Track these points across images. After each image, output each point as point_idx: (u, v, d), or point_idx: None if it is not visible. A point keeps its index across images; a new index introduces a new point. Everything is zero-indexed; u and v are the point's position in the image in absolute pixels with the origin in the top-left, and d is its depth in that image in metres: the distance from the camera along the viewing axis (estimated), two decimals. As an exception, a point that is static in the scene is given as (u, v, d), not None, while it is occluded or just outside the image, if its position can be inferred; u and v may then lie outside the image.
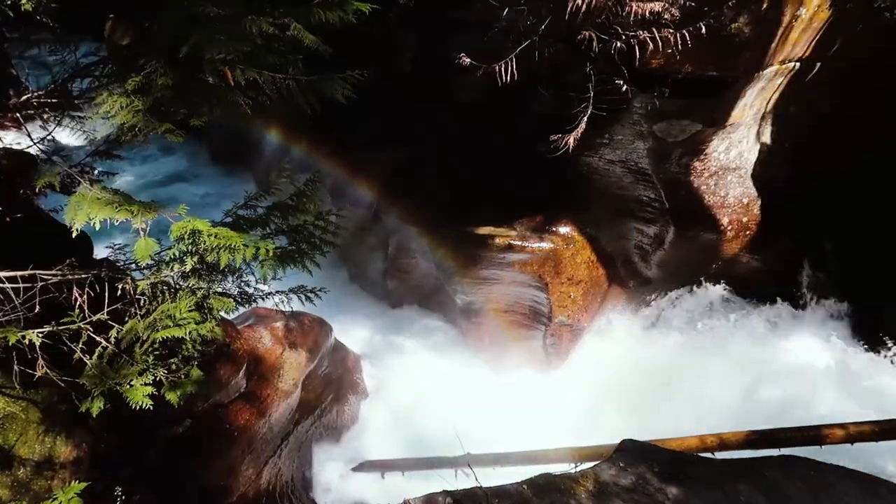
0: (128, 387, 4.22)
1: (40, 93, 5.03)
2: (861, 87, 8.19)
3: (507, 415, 9.26)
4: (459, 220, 9.89)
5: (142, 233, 3.80)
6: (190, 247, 3.81)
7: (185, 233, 3.69)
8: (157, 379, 4.32)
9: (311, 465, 8.73)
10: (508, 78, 7.39)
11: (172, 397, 4.31)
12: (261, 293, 5.43)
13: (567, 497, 4.58)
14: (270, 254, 3.84)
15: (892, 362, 8.64)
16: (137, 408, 4.25)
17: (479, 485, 4.56)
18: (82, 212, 3.72)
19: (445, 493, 4.56)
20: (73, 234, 3.87)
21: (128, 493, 5.62)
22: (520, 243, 9.57)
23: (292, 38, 4.25)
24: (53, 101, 5.21)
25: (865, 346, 8.95)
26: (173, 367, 4.42)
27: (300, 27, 4.19)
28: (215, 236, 3.67)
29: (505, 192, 9.80)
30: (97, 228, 3.83)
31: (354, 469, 8.85)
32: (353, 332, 10.98)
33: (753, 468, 5.26)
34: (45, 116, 5.47)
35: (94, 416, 4.29)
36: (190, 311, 4.17)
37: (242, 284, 5.41)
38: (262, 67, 4.31)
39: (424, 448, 8.50)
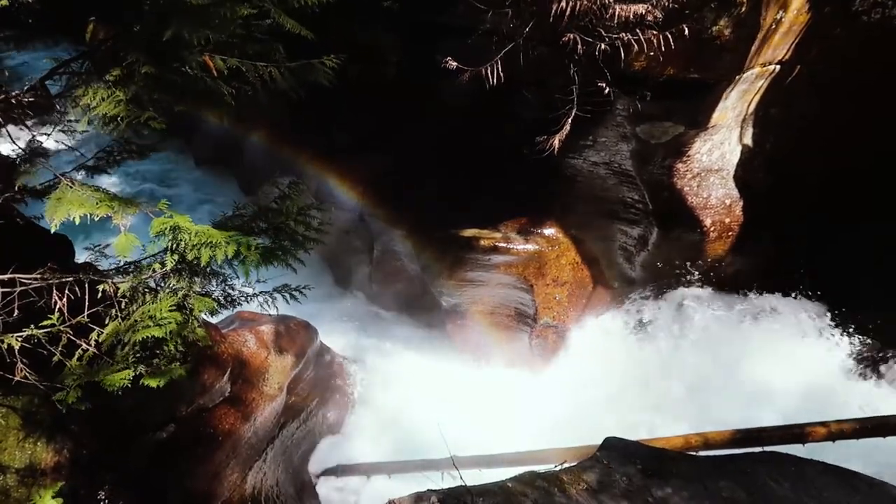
0: (106, 376, 4.15)
1: (18, 92, 4.96)
2: (842, 89, 8.31)
3: (493, 416, 9.27)
4: (445, 222, 9.92)
5: (122, 229, 3.75)
6: (171, 243, 3.78)
7: (166, 229, 3.66)
8: (139, 373, 4.27)
9: (297, 468, 8.68)
10: (494, 80, 7.45)
11: (152, 382, 4.24)
12: (245, 295, 5.40)
13: (552, 493, 4.59)
14: (252, 250, 3.82)
15: (865, 363, 8.77)
16: (115, 391, 4.15)
17: (464, 483, 4.56)
18: (62, 208, 3.68)
19: (431, 492, 4.56)
20: (52, 231, 3.82)
21: (111, 498, 5.55)
22: (505, 245, 9.61)
23: (273, 23, 4.26)
24: (32, 100, 5.15)
25: (844, 347, 9.05)
26: (154, 366, 4.36)
27: (280, 11, 4.20)
28: (196, 233, 3.64)
29: (490, 194, 9.85)
30: (77, 223, 3.78)
31: (339, 472, 8.83)
32: (338, 335, 10.95)
33: (735, 464, 5.31)
34: (24, 117, 5.40)
35: (70, 404, 4.19)
36: (171, 310, 4.13)
37: (227, 288, 5.37)
38: (244, 55, 4.31)
39: (411, 450, 8.49)
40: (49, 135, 5.27)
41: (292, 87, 4.55)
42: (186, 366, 4.65)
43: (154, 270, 4.24)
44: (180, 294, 4.31)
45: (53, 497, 3.82)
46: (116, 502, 5.59)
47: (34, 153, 5.37)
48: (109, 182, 13.49)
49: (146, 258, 4.39)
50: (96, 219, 3.76)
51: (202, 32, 3.77)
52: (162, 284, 4.40)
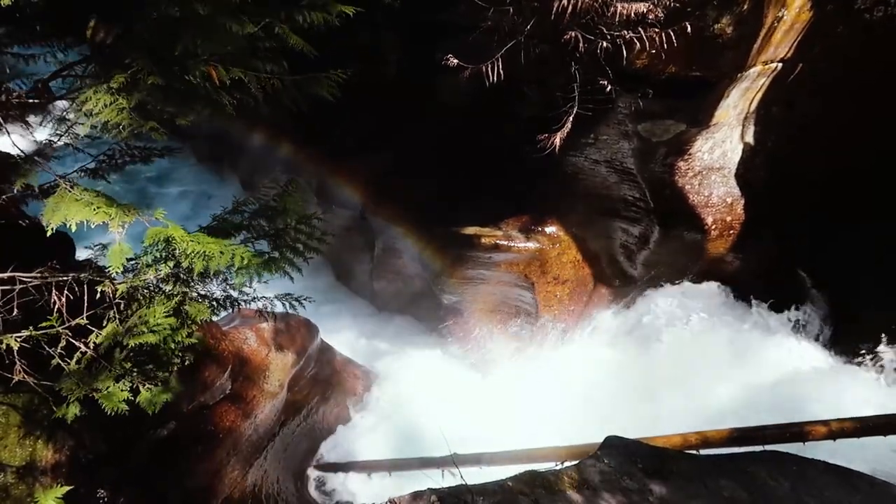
0: (105, 392, 4.18)
1: (20, 93, 4.95)
2: (844, 89, 8.29)
3: (493, 413, 9.27)
4: (446, 220, 9.91)
5: (117, 237, 3.75)
6: (164, 253, 3.78)
7: (159, 239, 3.66)
8: (135, 386, 4.27)
9: (298, 465, 8.70)
10: (494, 78, 7.43)
11: (149, 409, 4.26)
12: (246, 297, 5.39)
13: (552, 493, 4.60)
14: (246, 261, 3.81)
15: (865, 362, 8.75)
16: (112, 413, 4.21)
17: (464, 482, 4.56)
18: (59, 213, 3.68)
19: (431, 490, 4.56)
20: (48, 234, 3.82)
21: (111, 496, 5.57)
22: (506, 243, 9.60)
23: (278, 38, 4.25)
24: (34, 101, 5.14)
25: (842, 348, 9.05)
26: (151, 374, 4.37)
27: (285, 28, 4.18)
28: (189, 243, 3.64)
29: (491, 192, 9.83)
30: (73, 230, 3.79)
31: (340, 469, 8.84)
32: (340, 333, 10.96)
33: (735, 464, 5.31)
34: (26, 117, 5.39)
35: (70, 421, 4.24)
36: (166, 316, 4.13)
37: (228, 289, 5.37)
38: (248, 67, 4.29)
39: (412, 448, 8.50)
40: (56, 139, 5.27)
41: (295, 99, 4.53)
42: (181, 387, 4.65)
43: (151, 273, 4.23)
44: (175, 300, 4.30)
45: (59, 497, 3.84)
46: (117, 500, 5.61)
47: (36, 153, 5.37)
48: (109, 179, 13.49)
49: (146, 260, 4.38)
50: (93, 225, 3.75)
51: (209, 45, 3.76)
52: (160, 286, 4.39)
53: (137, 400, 4.25)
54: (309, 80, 4.65)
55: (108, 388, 4.05)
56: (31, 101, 5.12)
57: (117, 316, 4.22)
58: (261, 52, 4.45)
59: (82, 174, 5.28)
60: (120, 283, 4.20)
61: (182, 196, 15.05)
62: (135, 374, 4.22)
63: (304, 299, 5.32)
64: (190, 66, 4.06)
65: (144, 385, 4.27)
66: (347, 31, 5.05)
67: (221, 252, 3.67)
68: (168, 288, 4.34)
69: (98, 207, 3.68)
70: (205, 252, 3.62)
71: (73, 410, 4.02)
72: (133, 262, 4.31)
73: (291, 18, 4.34)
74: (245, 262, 3.79)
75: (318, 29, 4.40)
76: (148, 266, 4.10)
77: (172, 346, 4.32)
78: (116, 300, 4.25)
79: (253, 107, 4.60)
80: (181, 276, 4.26)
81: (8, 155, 5.55)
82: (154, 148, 5.60)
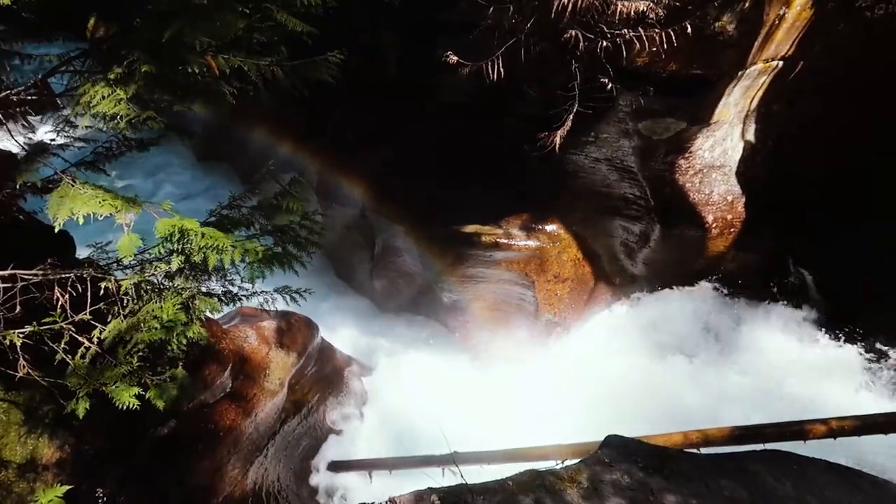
0: (113, 387, 4.18)
1: (19, 89, 4.94)
2: (844, 88, 8.29)
3: (493, 412, 9.27)
4: (446, 219, 9.91)
5: (126, 228, 3.74)
6: (177, 246, 3.77)
7: (173, 231, 3.65)
8: (143, 381, 4.27)
9: (298, 464, 8.70)
10: (495, 76, 7.43)
11: (159, 403, 4.27)
12: (246, 292, 5.40)
13: (552, 492, 4.59)
14: (259, 255, 3.81)
15: (864, 362, 8.76)
16: (124, 408, 4.21)
17: (464, 482, 4.56)
18: (65, 207, 3.67)
19: (431, 490, 4.55)
20: (56, 230, 3.81)
21: (112, 494, 5.56)
22: (506, 241, 9.60)
23: (277, 23, 4.24)
24: (34, 97, 5.13)
25: (842, 348, 9.05)
26: (158, 368, 4.37)
27: (284, 13, 4.18)
28: (203, 236, 3.63)
29: (491, 190, 9.83)
30: (80, 222, 3.77)
31: (340, 468, 8.84)
32: (340, 331, 10.96)
33: (736, 463, 5.29)
34: (26, 113, 5.39)
35: (80, 417, 4.24)
36: (176, 311, 4.13)
37: (227, 284, 5.38)
38: (247, 55, 4.29)
39: (413, 446, 8.49)
40: (57, 135, 5.26)
41: (295, 84, 4.52)
42: (187, 378, 4.65)
43: (158, 269, 4.24)
44: (185, 294, 4.30)
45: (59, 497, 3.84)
46: (117, 498, 5.60)
47: (36, 150, 5.36)
48: (111, 177, 13.48)
49: (151, 257, 4.38)
50: (100, 218, 3.74)
51: (204, 35, 3.75)
52: (165, 283, 4.39)
53: (147, 396, 4.25)
54: (308, 64, 4.65)
55: (115, 383, 4.04)
56: (31, 97, 5.11)
57: (122, 311, 4.22)
58: (259, 39, 4.45)
59: (81, 167, 5.27)
60: (123, 280, 4.19)
61: (183, 195, 15.02)
62: (143, 369, 4.22)
63: (305, 291, 5.33)
64: (189, 58, 4.06)
65: (152, 381, 4.27)
66: (347, 32, 5.06)
67: (234, 246, 3.67)
68: (177, 283, 4.34)
69: (103, 200, 3.67)
70: (218, 245, 3.62)
71: (84, 406, 4.01)
72: (138, 256, 4.31)
73: (288, 4, 4.33)
74: (257, 255, 3.80)
75: (316, 11, 4.39)
76: (158, 259, 4.10)
77: (183, 340, 4.32)
78: (120, 296, 4.25)
79: (254, 99, 4.60)
80: (188, 272, 4.26)
81: (8, 152, 5.55)
82: (151, 138, 5.60)
